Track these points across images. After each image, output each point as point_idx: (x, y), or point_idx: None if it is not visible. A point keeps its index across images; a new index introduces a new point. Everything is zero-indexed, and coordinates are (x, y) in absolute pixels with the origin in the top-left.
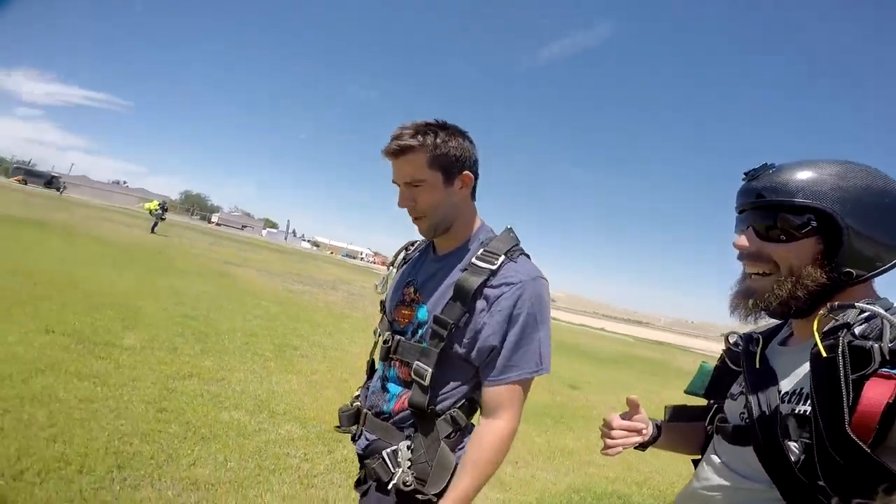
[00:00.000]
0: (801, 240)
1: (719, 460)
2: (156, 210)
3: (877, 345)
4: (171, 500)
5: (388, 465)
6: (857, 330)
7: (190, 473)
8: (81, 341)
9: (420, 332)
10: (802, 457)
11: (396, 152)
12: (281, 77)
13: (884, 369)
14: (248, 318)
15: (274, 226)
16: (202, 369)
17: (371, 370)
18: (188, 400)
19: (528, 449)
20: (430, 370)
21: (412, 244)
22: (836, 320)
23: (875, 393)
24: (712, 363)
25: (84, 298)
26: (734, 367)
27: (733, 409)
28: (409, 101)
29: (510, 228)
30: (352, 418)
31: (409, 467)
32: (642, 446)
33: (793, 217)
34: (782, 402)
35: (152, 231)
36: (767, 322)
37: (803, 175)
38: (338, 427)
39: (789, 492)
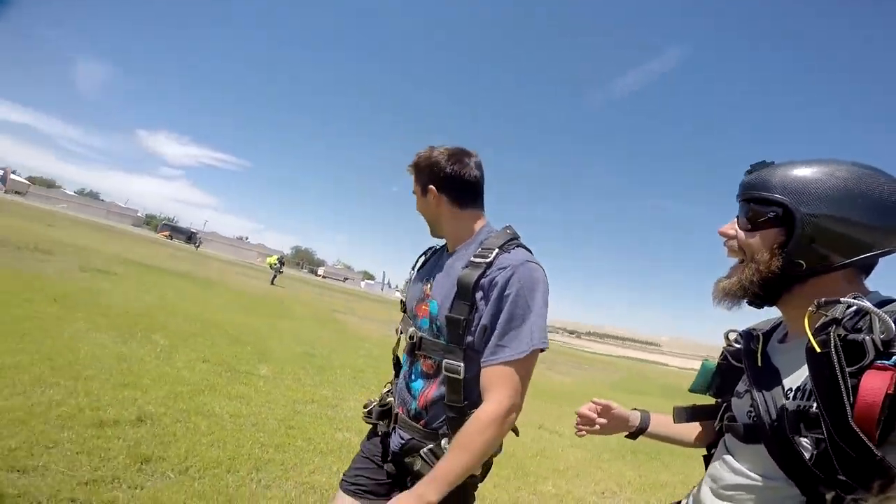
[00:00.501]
0: (764, 229)
1: (734, 459)
2: (275, 264)
3: (868, 337)
4: (293, 499)
5: (429, 463)
6: (848, 324)
7: (310, 479)
8: (229, 370)
9: (435, 326)
10: (815, 452)
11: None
12: (370, 136)
13: (879, 361)
14: (356, 357)
15: (371, 277)
16: (321, 397)
17: (398, 367)
18: (310, 420)
19: (618, 481)
20: (461, 365)
21: (431, 249)
22: (826, 316)
23: (873, 385)
24: (714, 361)
25: (227, 337)
26: (737, 364)
27: (740, 406)
28: (483, 148)
29: (509, 226)
30: (384, 414)
31: None
32: (631, 436)
33: (760, 208)
34: (787, 398)
35: (272, 283)
36: (766, 319)
37: (783, 171)
38: (367, 418)
39: (807, 487)
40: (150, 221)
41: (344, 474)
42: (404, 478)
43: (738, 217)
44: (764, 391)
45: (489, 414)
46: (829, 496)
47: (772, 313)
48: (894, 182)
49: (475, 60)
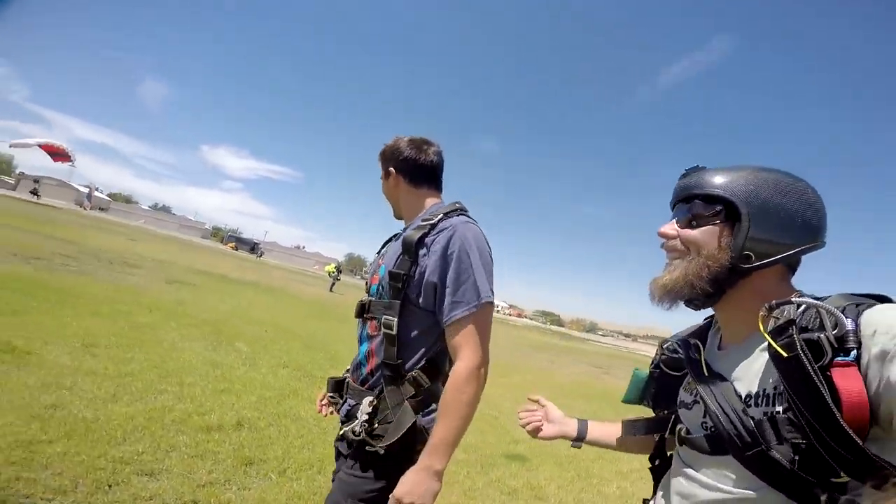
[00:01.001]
0: (708, 225)
1: (699, 473)
2: (333, 273)
3: (823, 335)
4: None
5: (354, 426)
6: (802, 324)
7: None
8: (306, 375)
9: (382, 287)
10: (796, 458)
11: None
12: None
13: (838, 358)
14: None
15: None
16: None
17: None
18: None
19: None
20: (395, 319)
21: (394, 235)
22: (777, 318)
23: (849, 385)
24: (644, 370)
25: (300, 343)
26: (671, 373)
27: (692, 418)
28: (528, 146)
29: (457, 201)
30: (337, 385)
31: (365, 421)
32: (574, 443)
33: (703, 205)
34: (749, 406)
35: (331, 290)
36: (689, 325)
37: (721, 173)
38: (329, 395)
39: (796, 493)
40: (216, 233)
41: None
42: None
43: (676, 219)
44: (719, 401)
45: (462, 372)
46: (823, 498)
47: (693, 319)
48: (811, 186)
49: (523, 67)
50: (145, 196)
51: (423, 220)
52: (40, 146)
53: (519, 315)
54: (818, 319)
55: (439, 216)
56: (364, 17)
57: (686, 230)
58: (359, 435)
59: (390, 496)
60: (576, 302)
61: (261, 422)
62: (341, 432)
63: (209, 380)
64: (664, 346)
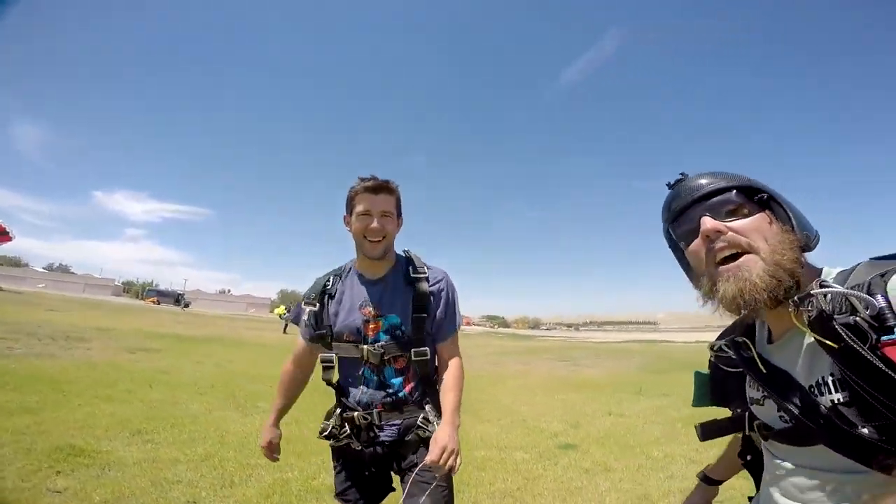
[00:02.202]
0: (757, 214)
1: (795, 465)
2: (284, 314)
3: (858, 318)
4: None
5: (426, 427)
6: (833, 311)
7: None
8: None
9: (399, 332)
10: (883, 437)
11: (378, 189)
12: (325, 165)
13: (884, 338)
14: None
15: None
16: None
17: (342, 390)
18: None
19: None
20: (427, 349)
21: (323, 284)
22: (809, 311)
23: None
24: (704, 370)
25: (311, 390)
26: (730, 370)
27: (766, 413)
28: (452, 157)
29: (406, 249)
30: (354, 431)
31: (433, 422)
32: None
33: (742, 195)
34: (814, 395)
35: (284, 332)
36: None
37: (722, 174)
38: (335, 441)
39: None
40: (129, 289)
41: (340, 495)
42: (391, 464)
43: (705, 215)
44: (789, 395)
45: (457, 365)
46: None
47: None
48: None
49: (429, 69)
50: (36, 256)
51: (416, 273)
52: None
53: (468, 323)
54: (848, 302)
55: (425, 268)
56: (265, 36)
57: (738, 222)
58: (428, 434)
59: (435, 443)
60: (516, 302)
61: None
62: (408, 438)
63: (303, 446)
64: (713, 349)
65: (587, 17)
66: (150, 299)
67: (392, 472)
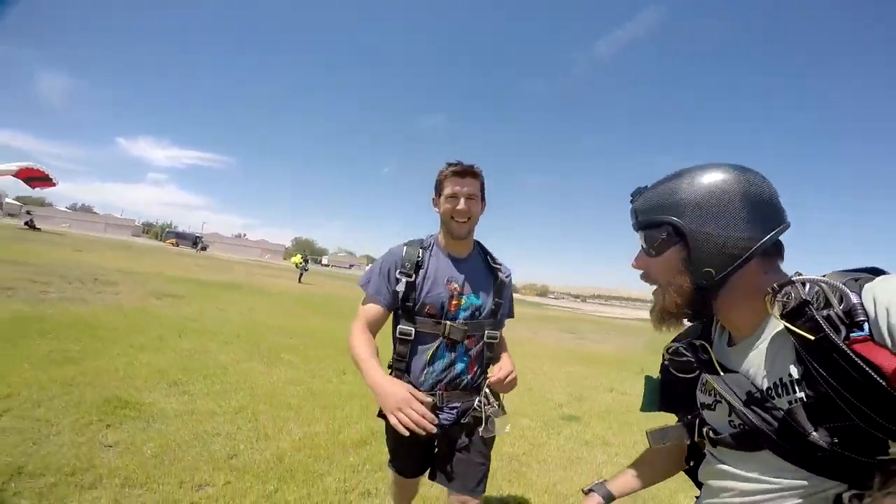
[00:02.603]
0: (665, 252)
1: (737, 469)
2: (301, 263)
3: (831, 311)
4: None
5: (483, 409)
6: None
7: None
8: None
9: (479, 312)
10: (835, 440)
11: (464, 173)
12: (352, 120)
13: (853, 334)
14: None
15: (374, 261)
16: None
17: (406, 367)
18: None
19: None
20: (497, 332)
21: (407, 250)
22: (785, 302)
23: (880, 355)
24: (654, 376)
25: (330, 346)
26: (682, 376)
27: (717, 418)
28: (473, 122)
29: (477, 241)
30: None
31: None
32: None
33: (653, 232)
34: (771, 398)
35: (299, 281)
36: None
37: (658, 191)
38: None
39: (844, 475)
40: (148, 230)
41: (401, 465)
42: (442, 442)
43: (641, 247)
44: (742, 398)
45: (505, 343)
46: (876, 480)
47: None
48: (750, 172)
49: (457, 42)
50: (61, 197)
51: (495, 264)
52: (16, 174)
53: None
54: (823, 296)
55: (500, 262)
56: None
57: (648, 260)
58: (484, 415)
59: (500, 369)
60: (526, 268)
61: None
62: (465, 420)
63: (310, 399)
64: (668, 351)
65: None
66: (170, 241)
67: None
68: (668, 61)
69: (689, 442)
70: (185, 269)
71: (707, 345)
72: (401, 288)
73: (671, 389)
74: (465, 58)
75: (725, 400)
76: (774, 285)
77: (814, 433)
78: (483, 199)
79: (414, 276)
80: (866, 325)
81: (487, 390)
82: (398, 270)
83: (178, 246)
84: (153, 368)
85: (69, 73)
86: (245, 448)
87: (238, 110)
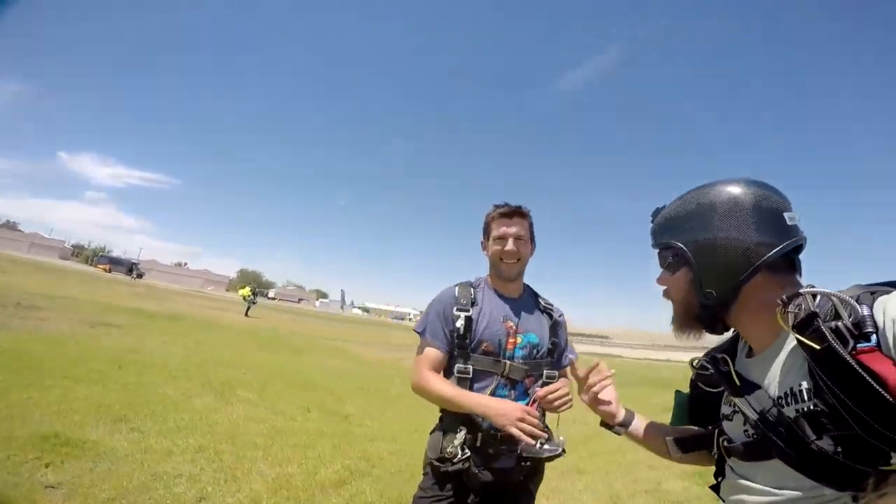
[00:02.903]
0: (676, 271)
1: (750, 482)
2: (248, 296)
3: (840, 323)
4: None
5: (540, 451)
6: (820, 314)
7: None
8: (330, 414)
9: (537, 351)
10: (839, 449)
11: (512, 214)
12: (309, 146)
13: (860, 344)
14: (396, 384)
15: (324, 296)
16: (431, 423)
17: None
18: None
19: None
20: (556, 372)
21: (460, 290)
22: (797, 313)
23: (884, 366)
24: (684, 391)
25: (287, 381)
26: (709, 390)
27: (733, 428)
28: (439, 149)
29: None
30: (483, 457)
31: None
32: (607, 426)
33: (664, 254)
34: (782, 407)
35: (247, 314)
36: (716, 340)
37: (666, 215)
38: (460, 467)
39: (846, 484)
40: (79, 252)
41: None
42: (496, 490)
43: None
44: (755, 407)
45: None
46: (870, 482)
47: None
48: (755, 187)
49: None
50: None
51: (547, 304)
52: None
53: None
54: (833, 308)
55: (550, 301)
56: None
57: (665, 278)
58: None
59: (553, 386)
60: None
61: (375, 473)
62: (524, 464)
63: (278, 438)
64: (694, 365)
65: (592, 28)
66: (102, 266)
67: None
68: (633, 93)
69: (713, 453)
70: (120, 297)
71: (727, 357)
72: (460, 324)
73: (700, 403)
74: (432, 88)
75: (740, 409)
76: (784, 297)
77: (818, 442)
78: (532, 239)
79: (471, 311)
80: (874, 337)
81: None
82: (455, 308)
83: (110, 272)
84: (93, 403)
85: (14, 79)
86: (214, 490)
87: (192, 128)
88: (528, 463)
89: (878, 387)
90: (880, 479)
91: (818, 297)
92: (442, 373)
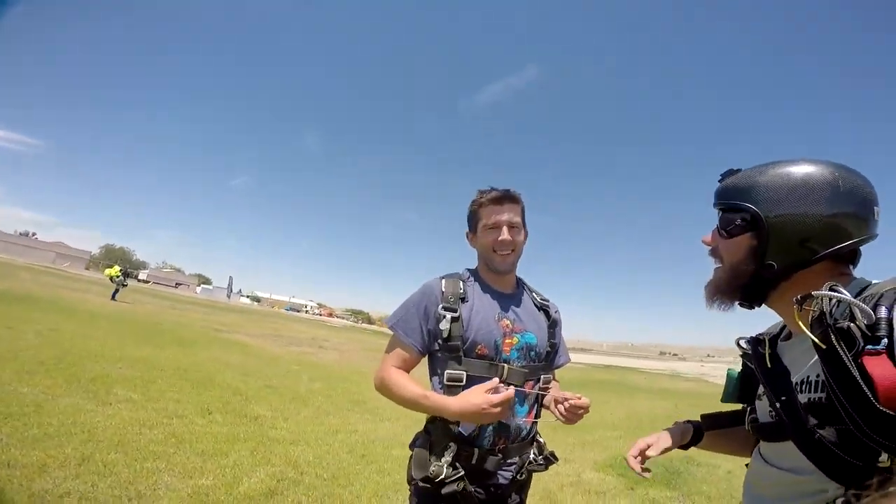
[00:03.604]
0: (737, 236)
1: (766, 461)
2: (117, 277)
3: (853, 324)
4: None
5: (536, 461)
6: (836, 315)
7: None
8: (237, 416)
9: (534, 353)
10: (840, 441)
11: (502, 199)
12: (205, 118)
13: (869, 346)
14: (310, 382)
15: (207, 282)
16: (350, 423)
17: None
18: (382, 447)
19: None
20: (550, 376)
21: (448, 283)
22: (814, 311)
23: (882, 371)
24: (736, 369)
25: (178, 378)
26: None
27: (762, 408)
28: (353, 147)
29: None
30: (477, 474)
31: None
32: (683, 446)
33: (730, 216)
34: (798, 392)
35: (113, 297)
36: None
37: (746, 178)
38: (453, 486)
39: (842, 476)
40: None
41: None
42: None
43: (717, 226)
44: (777, 390)
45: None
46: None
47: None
48: (850, 174)
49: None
50: None
51: (543, 300)
52: None
53: (330, 314)
54: (849, 309)
55: (545, 296)
56: None
57: (720, 239)
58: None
59: (574, 402)
60: (383, 300)
61: (299, 485)
62: (521, 478)
63: (202, 445)
64: (739, 345)
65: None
66: None
67: None
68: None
69: (747, 429)
70: None
71: (766, 339)
72: (445, 326)
73: (749, 382)
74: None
75: (767, 391)
76: (798, 297)
77: (820, 431)
78: (525, 226)
79: (459, 310)
80: (885, 340)
81: (542, 441)
82: (440, 306)
83: None
84: None
85: None
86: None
87: (58, 82)
88: (523, 475)
89: (866, 390)
90: (885, 477)
91: (833, 298)
92: (435, 376)
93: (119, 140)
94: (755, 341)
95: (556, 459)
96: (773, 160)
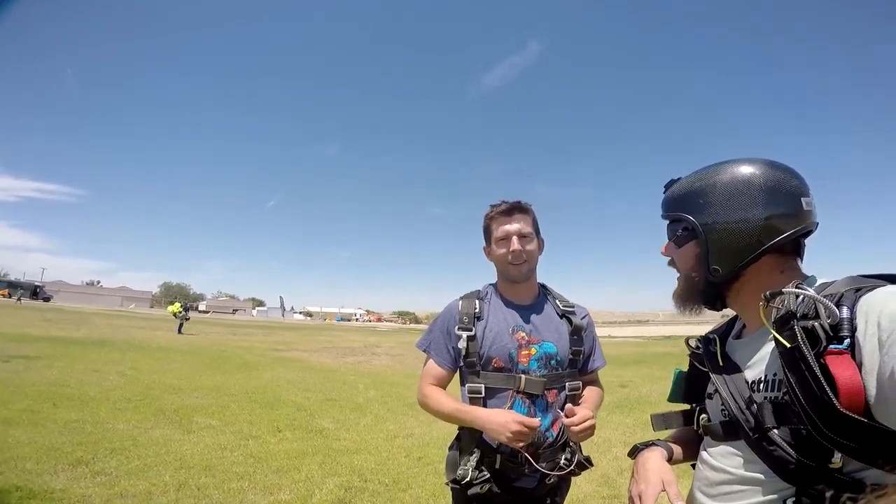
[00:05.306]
0: (683, 246)
1: (714, 459)
2: (179, 312)
3: (817, 323)
4: None
5: (568, 468)
6: (801, 313)
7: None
8: (304, 431)
9: (555, 362)
10: (794, 442)
11: (511, 211)
12: (237, 148)
13: (832, 346)
14: (361, 390)
15: (261, 304)
16: (406, 427)
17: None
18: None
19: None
20: (580, 383)
21: (466, 301)
22: (779, 309)
23: (842, 370)
24: (683, 368)
25: (248, 400)
26: (702, 369)
27: (713, 407)
28: (369, 151)
29: (542, 283)
30: (496, 472)
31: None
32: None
33: (674, 226)
34: (753, 391)
35: (180, 331)
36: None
37: (681, 188)
38: (478, 488)
39: (796, 479)
40: None
41: None
42: None
43: (668, 237)
44: (730, 389)
45: (600, 388)
46: (828, 494)
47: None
48: (774, 170)
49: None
50: None
51: (566, 307)
52: None
53: (378, 319)
54: (814, 307)
55: (571, 302)
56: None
57: (672, 249)
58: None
59: (579, 416)
60: (427, 297)
61: (364, 494)
62: (550, 482)
63: (277, 463)
64: (689, 344)
65: (511, 26)
66: (1, 292)
67: None
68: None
69: (696, 430)
70: (29, 325)
71: (718, 338)
72: (462, 345)
73: (696, 382)
74: (362, 87)
75: (717, 389)
76: (767, 293)
77: (775, 430)
78: (538, 235)
79: (474, 329)
80: (847, 340)
81: (573, 446)
82: (457, 326)
83: (10, 297)
84: (40, 447)
85: None
86: None
87: (96, 132)
88: (553, 480)
89: (827, 388)
90: (876, 486)
91: (800, 297)
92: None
93: (160, 182)
94: (706, 340)
95: (591, 465)
96: (713, 163)
